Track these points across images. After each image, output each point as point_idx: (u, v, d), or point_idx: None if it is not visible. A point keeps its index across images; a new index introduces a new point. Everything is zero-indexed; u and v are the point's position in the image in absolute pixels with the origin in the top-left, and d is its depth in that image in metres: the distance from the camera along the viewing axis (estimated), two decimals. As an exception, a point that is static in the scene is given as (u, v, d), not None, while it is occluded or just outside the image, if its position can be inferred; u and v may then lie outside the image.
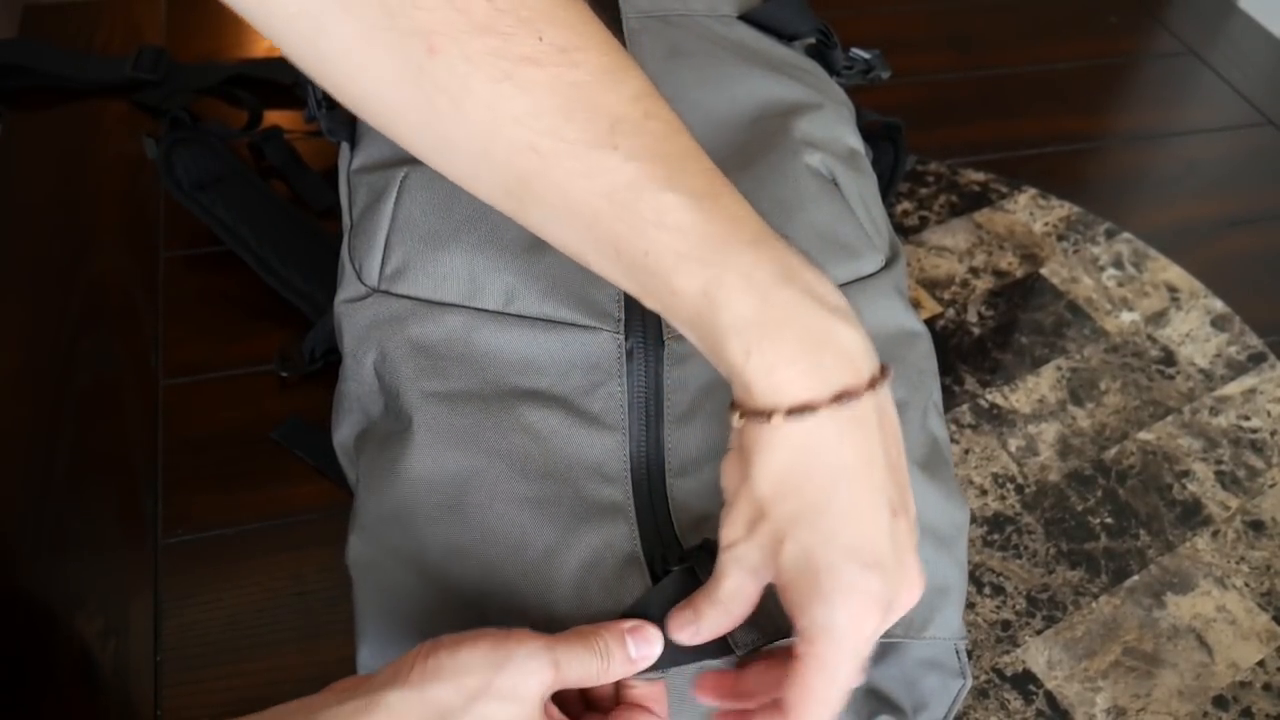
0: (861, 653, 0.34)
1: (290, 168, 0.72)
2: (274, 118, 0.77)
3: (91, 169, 0.74)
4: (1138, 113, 0.90)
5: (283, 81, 0.79)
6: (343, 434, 0.47)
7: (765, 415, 0.33)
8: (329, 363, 0.59)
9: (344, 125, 0.48)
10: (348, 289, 0.46)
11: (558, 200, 0.34)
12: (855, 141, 0.54)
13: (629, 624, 0.38)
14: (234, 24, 0.87)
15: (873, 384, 0.34)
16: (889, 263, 0.50)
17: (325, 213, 0.70)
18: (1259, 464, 0.63)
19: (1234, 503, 0.61)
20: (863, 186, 0.52)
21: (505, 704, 0.34)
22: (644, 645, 0.38)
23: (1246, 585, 0.58)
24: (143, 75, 0.78)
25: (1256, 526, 0.60)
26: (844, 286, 0.47)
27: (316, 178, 0.72)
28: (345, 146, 0.48)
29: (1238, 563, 0.59)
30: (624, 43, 0.47)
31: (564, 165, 0.33)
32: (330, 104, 0.50)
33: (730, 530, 0.36)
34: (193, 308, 0.66)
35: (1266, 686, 0.54)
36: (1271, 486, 0.62)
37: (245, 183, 0.68)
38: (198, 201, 0.66)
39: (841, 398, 0.33)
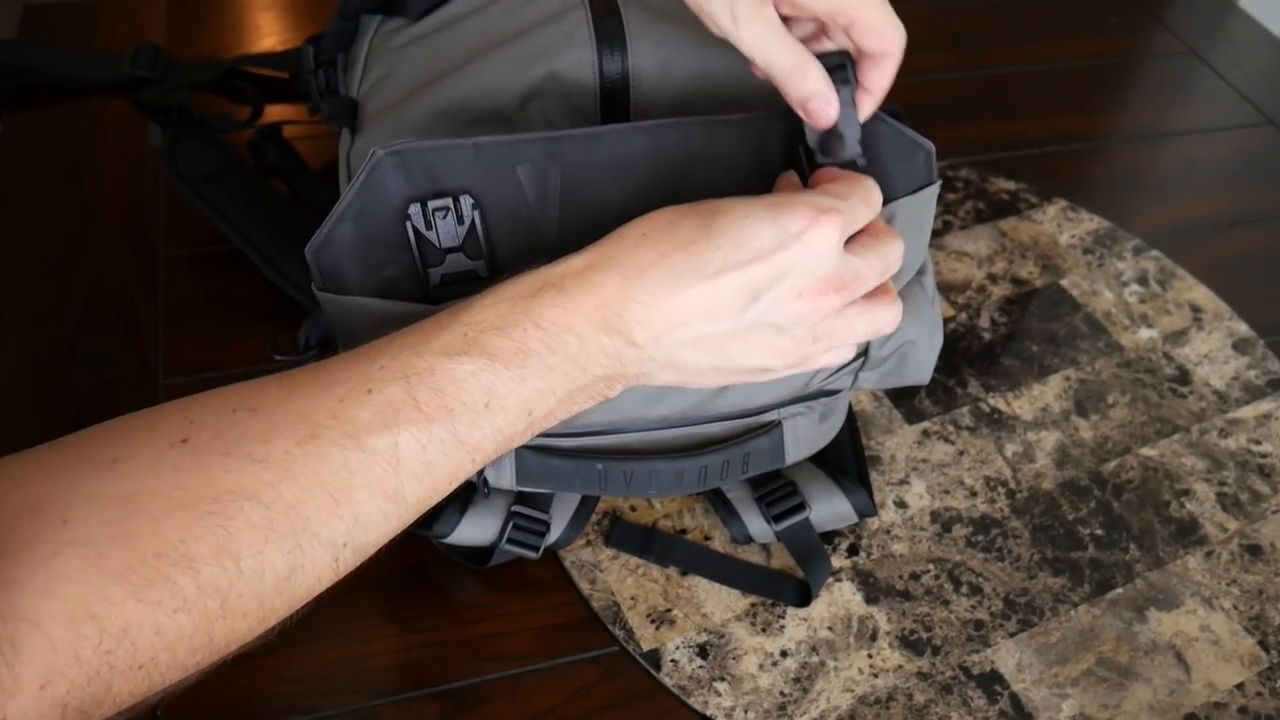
0: None
1: (290, 167, 0.73)
2: (273, 112, 0.78)
3: (91, 169, 0.75)
4: (1138, 112, 0.90)
5: (281, 76, 0.81)
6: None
7: None
8: (323, 353, 0.62)
9: (345, 112, 0.50)
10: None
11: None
12: None
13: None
14: (234, 23, 0.89)
15: None
16: None
17: (325, 211, 0.72)
18: (1264, 489, 0.63)
19: (1233, 525, 0.61)
20: None
21: None
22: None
23: (1235, 608, 0.58)
24: (140, 72, 0.79)
25: (1254, 550, 0.60)
26: None
27: (316, 177, 0.73)
28: (346, 132, 0.51)
29: (1229, 585, 0.59)
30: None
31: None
32: (332, 91, 0.53)
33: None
34: (192, 308, 0.67)
35: (1243, 710, 0.54)
36: (1275, 512, 0.62)
37: (246, 177, 0.69)
38: (199, 194, 0.67)
39: None
